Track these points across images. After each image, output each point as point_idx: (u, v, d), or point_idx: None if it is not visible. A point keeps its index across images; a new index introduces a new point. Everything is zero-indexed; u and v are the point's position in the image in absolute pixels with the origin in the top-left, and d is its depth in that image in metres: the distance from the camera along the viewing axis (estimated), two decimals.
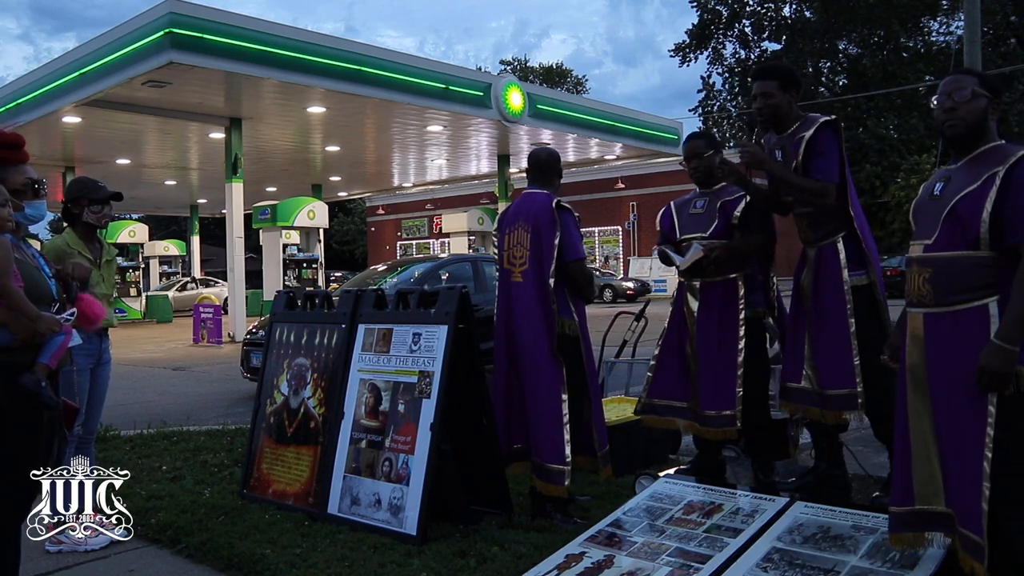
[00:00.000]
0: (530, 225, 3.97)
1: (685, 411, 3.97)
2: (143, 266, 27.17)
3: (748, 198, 3.89)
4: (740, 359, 3.78)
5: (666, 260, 4.11)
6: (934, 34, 39.78)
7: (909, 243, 2.72)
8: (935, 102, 2.68)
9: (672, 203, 4.24)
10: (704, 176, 4.04)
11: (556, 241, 3.88)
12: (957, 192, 2.53)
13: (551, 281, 3.87)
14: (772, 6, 42.23)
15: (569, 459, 3.83)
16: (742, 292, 3.85)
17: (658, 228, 4.27)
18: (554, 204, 3.95)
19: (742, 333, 3.81)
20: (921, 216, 2.67)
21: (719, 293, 3.89)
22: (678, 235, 4.07)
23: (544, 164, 4.17)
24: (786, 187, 3.59)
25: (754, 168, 3.62)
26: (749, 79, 4.12)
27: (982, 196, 2.45)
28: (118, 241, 25.01)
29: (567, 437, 3.83)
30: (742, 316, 3.83)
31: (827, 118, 3.54)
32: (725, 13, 42.73)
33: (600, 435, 4.01)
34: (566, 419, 3.84)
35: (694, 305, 3.95)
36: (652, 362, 4.16)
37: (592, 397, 4.02)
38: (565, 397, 3.86)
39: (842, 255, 3.46)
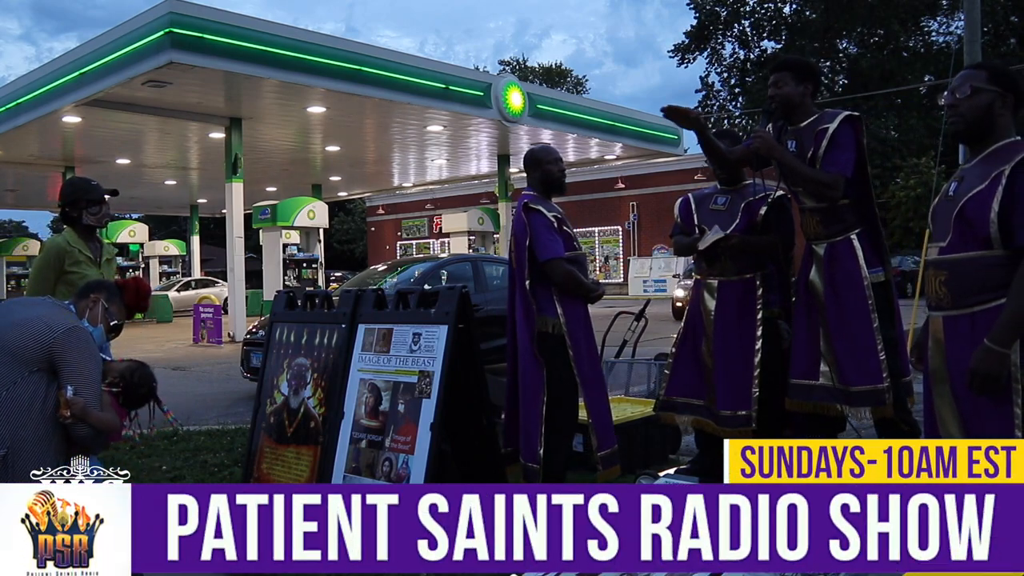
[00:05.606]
0: (514, 227, 4.02)
1: (703, 409, 3.93)
2: (143, 266, 27.16)
3: (771, 199, 3.84)
4: (757, 359, 3.73)
5: (685, 251, 4.06)
6: (934, 34, 39.77)
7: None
8: (942, 100, 2.67)
9: (691, 195, 4.19)
10: (730, 176, 4.00)
11: (527, 243, 3.90)
12: (967, 192, 2.48)
13: (527, 282, 3.88)
14: (772, 6, 42.20)
15: (542, 458, 3.82)
16: (760, 291, 3.81)
17: (676, 216, 4.19)
18: (522, 206, 3.95)
19: (759, 333, 3.76)
20: (937, 218, 2.63)
21: (736, 292, 3.84)
22: (697, 230, 4.02)
23: (525, 164, 4.18)
24: (795, 177, 3.55)
25: (764, 154, 3.59)
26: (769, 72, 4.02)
27: (989, 196, 2.40)
28: (118, 241, 24.97)
29: (542, 437, 3.83)
30: (759, 316, 3.78)
31: (849, 113, 3.51)
32: (723, 14, 42.69)
33: (601, 436, 3.95)
34: (543, 419, 3.83)
35: (711, 304, 3.90)
36: (668, 360, 4.14)
37: (589, 396, 3.93)
38: (544, 398, 3.84)
39: (859, 251, 3.43)
